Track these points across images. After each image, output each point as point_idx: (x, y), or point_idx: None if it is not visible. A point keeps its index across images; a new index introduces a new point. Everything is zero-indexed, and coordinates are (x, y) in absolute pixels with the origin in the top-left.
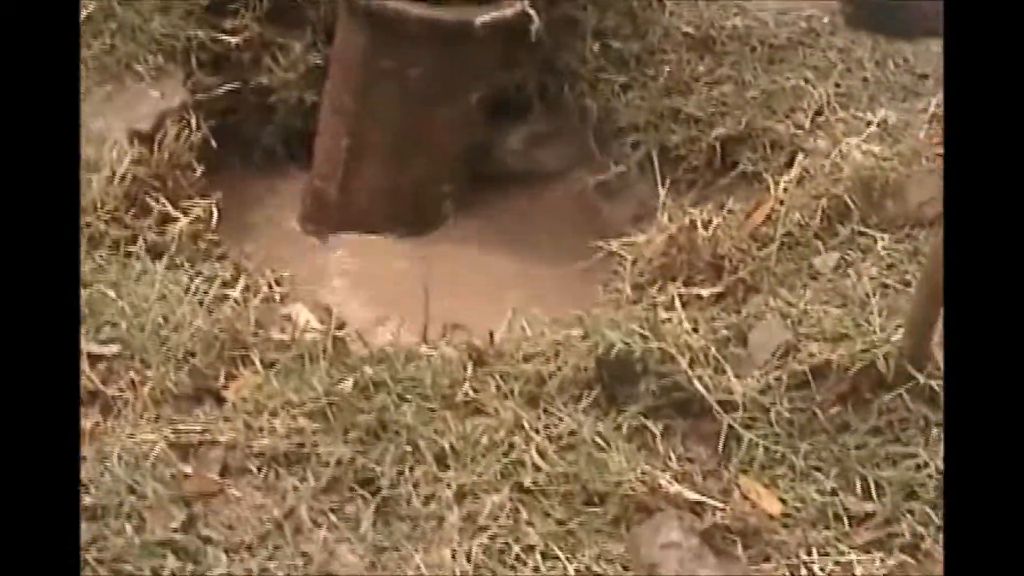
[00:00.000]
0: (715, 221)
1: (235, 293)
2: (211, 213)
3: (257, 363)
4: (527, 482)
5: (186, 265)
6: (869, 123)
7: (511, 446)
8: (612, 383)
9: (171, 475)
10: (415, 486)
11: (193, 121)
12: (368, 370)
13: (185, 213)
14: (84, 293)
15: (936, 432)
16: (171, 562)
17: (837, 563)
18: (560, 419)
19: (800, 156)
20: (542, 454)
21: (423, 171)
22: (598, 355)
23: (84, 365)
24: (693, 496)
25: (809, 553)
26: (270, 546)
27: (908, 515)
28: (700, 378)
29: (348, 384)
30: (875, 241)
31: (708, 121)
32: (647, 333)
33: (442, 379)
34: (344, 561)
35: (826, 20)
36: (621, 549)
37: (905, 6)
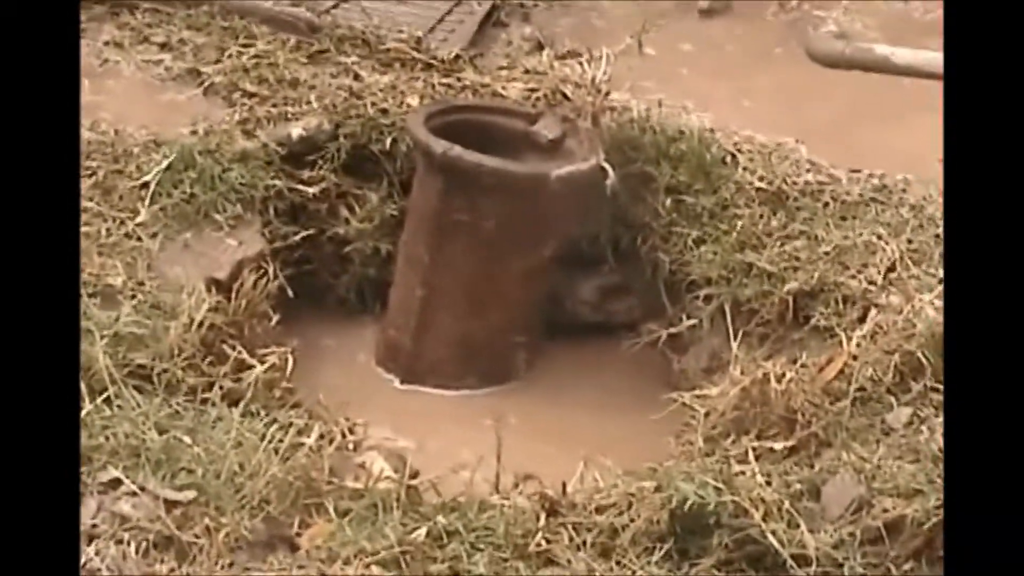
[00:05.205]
0: (788, 375)
1: (310, 441)
2: (286, 361)
3: (331, 511)
4: None
5: (261, 412)
6: (941, 279)
7: None
8: (685, 536)
9: None
10: None
11: (270, 270)
12: (441, 519)
13: (261, 361)
14: (161, 439)
15: None
16: None
17: None
18: (633, 571)
19: (873, 311)
20: None
21: (497, 322)
22: (671, 508)
23: (160, 511)
24: None
25: None
26: None
27: None
28: (774, 532)
29: (421, 533)
30: None
31: (780, 276)
32: (720, 486)
33: (515, 529)
34: None
35: (899, 177)
36: None
37: None
